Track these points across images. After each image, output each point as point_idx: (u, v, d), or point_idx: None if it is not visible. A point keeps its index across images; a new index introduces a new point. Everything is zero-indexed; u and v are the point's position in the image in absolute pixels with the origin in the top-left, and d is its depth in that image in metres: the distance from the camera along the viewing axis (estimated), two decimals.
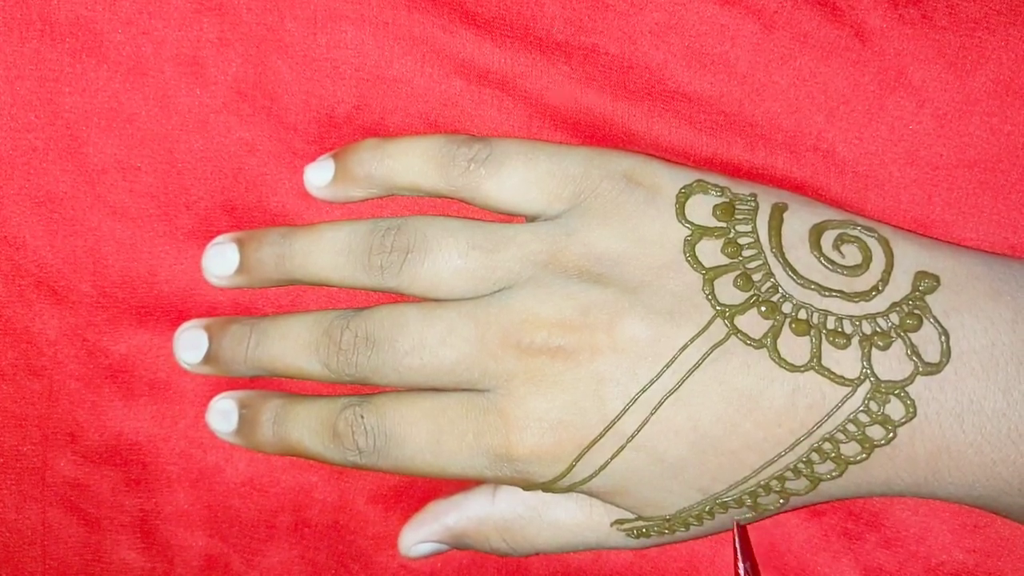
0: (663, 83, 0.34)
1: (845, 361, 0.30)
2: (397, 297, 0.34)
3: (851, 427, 0.30)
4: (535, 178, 0.32)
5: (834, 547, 0.35)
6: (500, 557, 0.36)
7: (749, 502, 0.31)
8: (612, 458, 0.31)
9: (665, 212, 0.31)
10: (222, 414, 0.35)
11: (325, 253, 0.33)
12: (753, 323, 0.30)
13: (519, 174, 0.32)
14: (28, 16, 0.34)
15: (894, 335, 0.30)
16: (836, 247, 0.31)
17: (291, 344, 0.33)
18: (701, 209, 0.31)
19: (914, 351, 0.30)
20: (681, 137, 0.34)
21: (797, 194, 0.33)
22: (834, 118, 0.34)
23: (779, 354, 0.30)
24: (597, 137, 0.34)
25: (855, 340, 0.30)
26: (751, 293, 0.30)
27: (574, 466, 0.31)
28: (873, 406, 0.30)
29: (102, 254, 0.35)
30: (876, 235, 0.31)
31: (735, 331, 0.30)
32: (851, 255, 0.31)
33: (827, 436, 0.30)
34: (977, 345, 0.30)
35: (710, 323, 0.30)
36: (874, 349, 0.30)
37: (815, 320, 0.30)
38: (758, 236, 0.31)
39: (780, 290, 0.30)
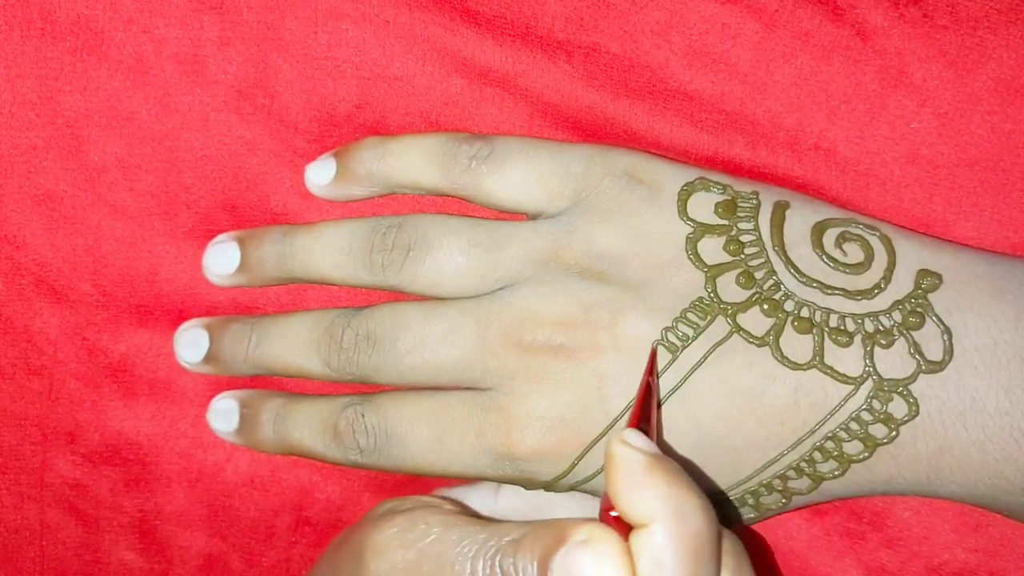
0: (664, 82, 0.34)
1: (848, 359, 0.30)
2: (399, 296, 0.34)
3: (854, 425, 0.30)
4: (536, 176, 0.32)
5: (836, 547, 0.35)
6: None
7: (751, 501, 0.31)
8: None
9: (667, 209, 0.31)
10: (223, 413, 0.35)
11: (326, 251, 0.33)
12: (755, 321, 0.30)
13: (520, 172, 0.32)
14: (28, 15, 0.34)
15: (896, 333, 0.30)
16: (838, 245, 0.31)
17: (292, 343, 0.33)
18: (703, 207, 0.31)
19: (916, 349, 0.30)
20: (682, 136, 0.34)
21: (799, 193, 0.33)
22: (835, 117, 0.34)
23: (781, 352, 0.30)
24: (598, 136, 0.34)
25: (857, 338, 0.30)
26: (753, 291, 0.30)
27: (576, 465, 0.31)
28: (876, 404, 0.30)
29: (102, 253, 0.35)
30: (878, 233, 0.31)
31: (737, 329, 0.30)
32: (853, 253, 0.31)
33: (830, 434, 0.30)
34: (980, 343, 0.30)
35: (712, 321, 0.30)
36: (876, 347, 0.30)
37: (817, 318, 0.30)
38: (760, 234, 0.31)
39: (782, 288, 0.30)
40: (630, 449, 0.25)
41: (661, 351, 0.30)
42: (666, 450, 0.30)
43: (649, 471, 0.24)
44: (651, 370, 0.30)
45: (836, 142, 0.34)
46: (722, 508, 0.32)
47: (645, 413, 0.28)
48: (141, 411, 0.36)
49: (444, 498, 0.32)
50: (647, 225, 0.31)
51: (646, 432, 0.27)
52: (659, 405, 0.30)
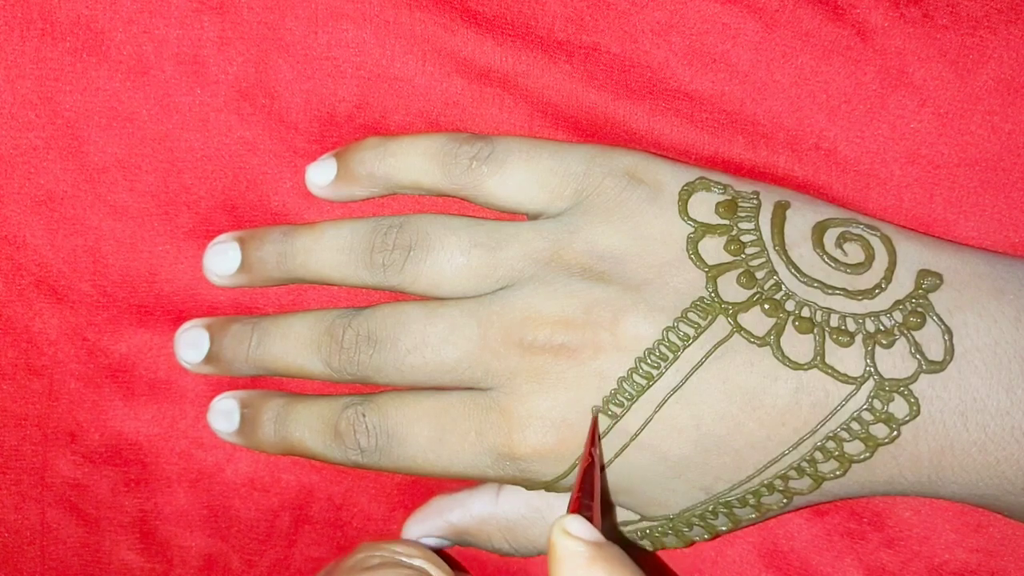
0: (664, 82, 0.34)
1: (849, 359, 0.30)
2: (399, 296, 0.34)
3: (855, 425, 0.30)
4: (537, 176, 0.32)
5: (837, 547, 0.35)
6: (501, 556, 0.36)
7: (752, 501, 0.31)
8: (615, 457, 0.31)
9: (668, 209, 0.31)
10: (223, 414, 0.35)
11: (327, 251, 0.33)
12: (756, 321, 0.30)
13: (521, 172, 0.32)
14: (29, 15, 0.34)
15: (897, 333, 0.30)
16: (839, 245, 0.31)
17: (292, 343, 0.33)
18: (703, 206, 0.31)
19: (918, 349, 0.30)
20: (682, 136, 0.34)
21: (799, 192, 0.33)
22: (836, 117, 0.34)
23: (782, 352, 0.30)
24: (598, 136, 0.34)
25: (858, 338, 0.30)
26: (754, 291, 0.30)
27: (576, 464, 0.31)
28: (877, 404, 0.30)
29: (102, 253, 0.35)
30: (879, 233, 0.31)
31: (738, 329, 0.30)
32: (854, 253, 0.31)
33: (831, 434, 0.30)
34: (980, 343, 0.30)
35: (713, 320, 0.30)
36: (877, 347, 0.30)
37: (818, 318, 0.30)
38: (761, 234, 0.31)
39: (783, 288, 0.30)
40: (571, 540, 0.25)
41: (662, 351, 0.30)
42: (608, 533, 0.30)
43: (590, 563, 0.24)
44: (593, 440, 0.29)
45: (836, 142, 0.34)
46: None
47: (588, 489, 0.28)
48: (141, 411, 0.36)
49: (421, 547, 0.32)
50: (648, 225, 0.31)
51: (589, 509, 0.26)
52: (603, 469, 0.30)
